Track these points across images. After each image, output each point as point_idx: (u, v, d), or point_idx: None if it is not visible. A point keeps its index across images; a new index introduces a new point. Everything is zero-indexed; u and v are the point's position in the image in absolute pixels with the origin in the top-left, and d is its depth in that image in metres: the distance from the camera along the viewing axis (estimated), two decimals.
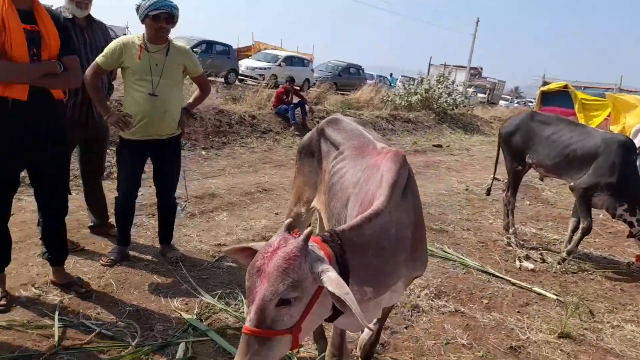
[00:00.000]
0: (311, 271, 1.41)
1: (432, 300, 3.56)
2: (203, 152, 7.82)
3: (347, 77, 24.07)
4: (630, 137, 8.90)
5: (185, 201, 5.08)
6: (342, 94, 19.23)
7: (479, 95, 35.85)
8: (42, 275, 3.15)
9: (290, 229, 1.50)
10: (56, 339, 2.51)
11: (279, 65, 20.43)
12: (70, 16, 3.33)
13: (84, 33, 3.41)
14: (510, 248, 4.87)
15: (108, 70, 3.33)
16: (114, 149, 3.96)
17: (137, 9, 3.22)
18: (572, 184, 4.63)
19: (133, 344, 2.55)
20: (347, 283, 1.50)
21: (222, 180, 6.33)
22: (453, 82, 18.97)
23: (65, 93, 2.96)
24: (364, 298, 1.61)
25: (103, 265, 3.44)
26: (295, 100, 11.34)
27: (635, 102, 22.01)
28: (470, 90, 34.83)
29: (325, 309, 1.51)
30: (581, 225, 4.54)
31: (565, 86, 24.78)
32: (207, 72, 15.64)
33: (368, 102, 17.82)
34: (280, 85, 11.87)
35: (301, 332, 1.44)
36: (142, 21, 3.24)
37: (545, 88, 25.97)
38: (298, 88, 12.36)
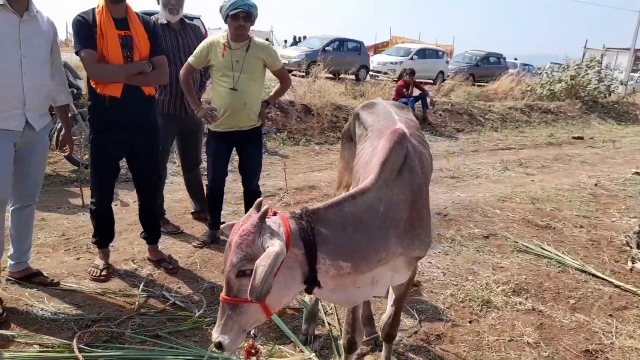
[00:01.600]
0: (263, 246, 1.51)
1: (509, 297, 3.35)
2: (316, 147, 8.16)
3: (486, 67, 22.87)
4: None
5: (285, 192, 5.41)
6: (480, 86, 18.38)
7: None
8: (142, 253, 3.65)
9: (260, 207, 1.61)
10: (136, 305, 2.92)
11: (411, 58, 20.20)
12: (165, 21, 3.79)
13: (177, 36, 3.85)
14: (628, 248, 4.32)
15: (198, 68, 3.68)
16: None
17: (220, 9, 3.54)
18: None
19: (196, 315, 2.86)
20: (314, 257, 1.58)
21: (327, 173, 6.56)
22: (607, 67, 16.90)
23: (156, 90, 3.38)
24: (340, 272, 1.65)
25: (194, 246, 3.86)
26: (416, 93, 11.18)
27: None
28: (637, 75, 30.77)
29: (293, 280, 1.60)
30: None
31: None
32: (338, 70, 16.18)
33: (507, 93, 16.82)
34: (401, 79, 11.77)
35: (268, 301, 1.55)
36: (225, 21, 3.55)
37: None
38: (419, 81, 12.12)
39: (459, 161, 8.05)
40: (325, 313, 2.97)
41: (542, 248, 4.22)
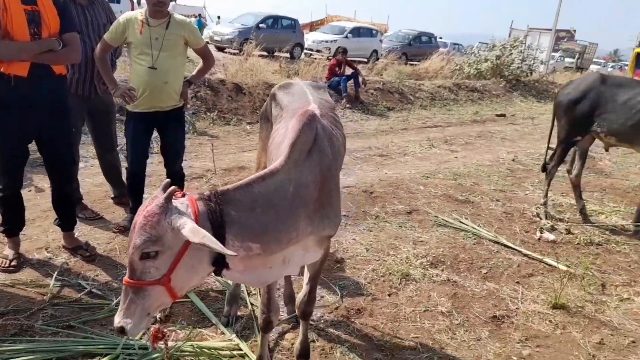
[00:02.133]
0: (170, 226, 1.50)
1: (427, 269, 3.51)
2: (248, 127, 8.08)
3: (418, 46, 23.32)
4: None
5: (213, 173, 5.34)
6: (412, 64, 18.76)
7: (567, 60, 33.29)
8: (57, 241, 3.49)
9: (167, 188, 1.58)
10: (48, 295, 2.81)
11: (346, 37, 20.26)
12: None
13: (85, 11, 3.64)
14: (538, 219, 4.63)
15: (115, 45, 3.51)
16: None
17: None
18: None
19: (113, 303, 2.79)
20: (223, 239, 1.58)
21: None
22: (529, 47, 17.74)
23: (67, 68, 3.21)
24: (249, 253, 1.67)
25: (114, 232, 3.75)
26: (349, 72, 11.27)
27: None
28: (557, 54, 32.54)
29: (200, 262, 1.60)
30: None
31: None
32: (271, 48, 16.02)
33: (437, 72, 17.29)
34: (334, 58, 11.81)
35: (173, 283, 1.55)
36: None
37: None
38: (351, 60, 12.20)
39: (388, 139, 8.24)
40: (248, 294, 2.99)
41: (460, 222, 4.43)
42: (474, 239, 4.12)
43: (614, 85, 4.38)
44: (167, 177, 3.85)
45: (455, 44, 29.42)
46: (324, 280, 3.23)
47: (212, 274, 1.70)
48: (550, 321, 2.95)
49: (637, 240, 4.24)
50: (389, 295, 3.17)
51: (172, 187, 1.56)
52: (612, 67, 38.81)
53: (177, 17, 3.53)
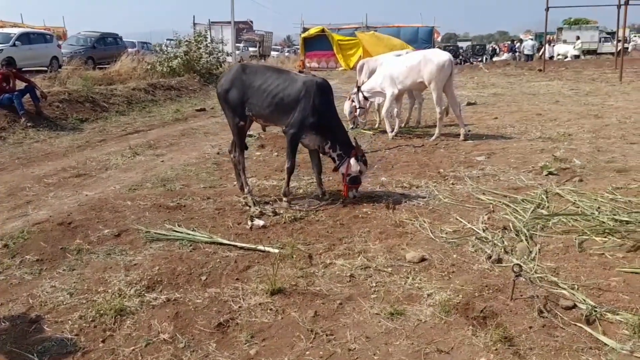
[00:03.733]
0: None
1: (143, 296, 3.21)
2: None
3: (104, 48, 21.84)
4: (357, 71, 9.58)
5: None
6: (102, 69, 17.38)
7: (251, 49, 36.14)
8: None
9: None
10: None
11: (14, 45, 17.42)
12: None
13: None
14: (247, 208, 4.79)
15: None
16: None
17: None
18: (284, 128, 4.75)
19: None
20: None
21: None
22: (213, 41, 18.49)
23: None
24: None
25: None
26: (22, 85, 9.72)
27: (376, 37, 24.46)
28: (241, 45, 34.98)
29: None
30: (286, 166, 4.84)
31: (322, 30, 26.54)
32: None
33: (131, 74, 16.47)
34: None
35: None
36: None
37: (305, 34, 27.53)
38: (16, 71, 10.53)
39: (85, 155, 7.43)
40: None
41: (174, 230, 4.24)
42: (190, 245, 3.99)
43: (251, 73, 4.94)
44: None
45: (143, 42, 28.66)
46: (17, 353, 2.63)
47: None
48: (271, 309, 3.03)
49: (329, 207, 4.79)
50: (103, 341, 2.77)
51: None
52: (287, 51, 43.88)
53: None
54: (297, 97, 4.65)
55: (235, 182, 5.75)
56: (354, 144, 4.84)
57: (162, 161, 7.00)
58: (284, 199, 4.88)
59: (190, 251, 3.90)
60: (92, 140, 8.67)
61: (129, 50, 22.23)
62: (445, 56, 7.56)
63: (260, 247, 3.88)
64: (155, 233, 4.19)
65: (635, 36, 40.49)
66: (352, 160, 4.75)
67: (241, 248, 3.92)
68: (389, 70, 7.90)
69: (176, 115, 11.32)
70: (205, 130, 9.34)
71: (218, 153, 7.24)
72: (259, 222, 4.39)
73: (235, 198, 5.12)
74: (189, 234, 4.15)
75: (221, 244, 3.98)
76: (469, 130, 8.11)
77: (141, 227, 4.35)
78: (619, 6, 18.51)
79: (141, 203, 5.01)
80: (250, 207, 4.78)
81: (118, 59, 17.28)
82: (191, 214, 4.72)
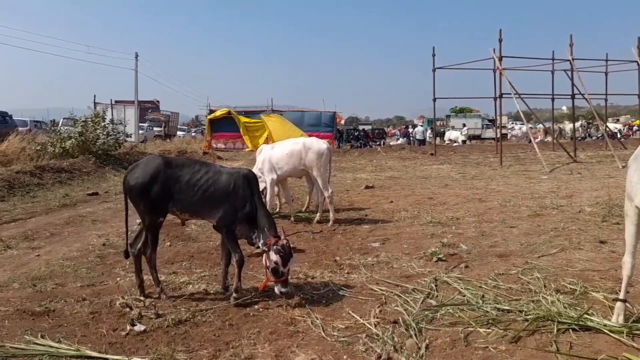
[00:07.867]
0: None
1: None
2: None
3: None
4: (257, 155, 9.64)
5: None
6: None
7: (156, 129, 35.60)
8: None
9: None
10: None
11: None
12: None
13: None
14: (128, 310, 4.37)
15: None
16: None
17: None
18: (214, 223, 4.64)
19: None
20: None
21: None
22: (112, 121, 17.97)
23: None
24: None
25: None
26: None
27: (280, 121, 25.26)
28: (145, 125, 34.40)
29: None
30: (234, 259, 4.60)
31: (229, 112, 26.94)
32: None
33: (19, 155, 15.40)
34: None
35: None
36: None
37: (211, 116, 27.78)
38: None
39: None
40: None
41: (35, 343, 3.72)
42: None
43: (177, 168, 4.71)
44: None
45: (36, 121, 27.24)
46: None
47: None
48: None
49: (223, 304, 4.51)
50: None
51: None
52: (194, 131, 43.80)
53: None
54: (227, 189, 4.60)
55: (120, 277, 5.31)
56: (279, 233, 4.61)
57: (38, 255, 6.34)
58: (234, 294, 4.54)
59: None
60: None
61: (20, 129, 20.95)
62: (324, 145, 8.17)
63: None
64: (10, 347, 3.64)
65: (513, 123, 45.48)
66: (271, 251, 4.43)
67: None
68: (269, 156, 8.13)
69: (64, 201, 10.54)
70: (94, 218, 8.73)
71: (104, 244, 6.72)
72: (140, 327, 3.99)
73: (115, 297, 4.66)
74: (52, 347, 3.65)
75: (89, 357, 3.54)
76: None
77: None
78: (495, 98, 20.90)
79: (2, 309, 4.40)
80: (132, 308, 4.37)
81: (5, 138, 16.18)
82: (60, 320, 4.21)
